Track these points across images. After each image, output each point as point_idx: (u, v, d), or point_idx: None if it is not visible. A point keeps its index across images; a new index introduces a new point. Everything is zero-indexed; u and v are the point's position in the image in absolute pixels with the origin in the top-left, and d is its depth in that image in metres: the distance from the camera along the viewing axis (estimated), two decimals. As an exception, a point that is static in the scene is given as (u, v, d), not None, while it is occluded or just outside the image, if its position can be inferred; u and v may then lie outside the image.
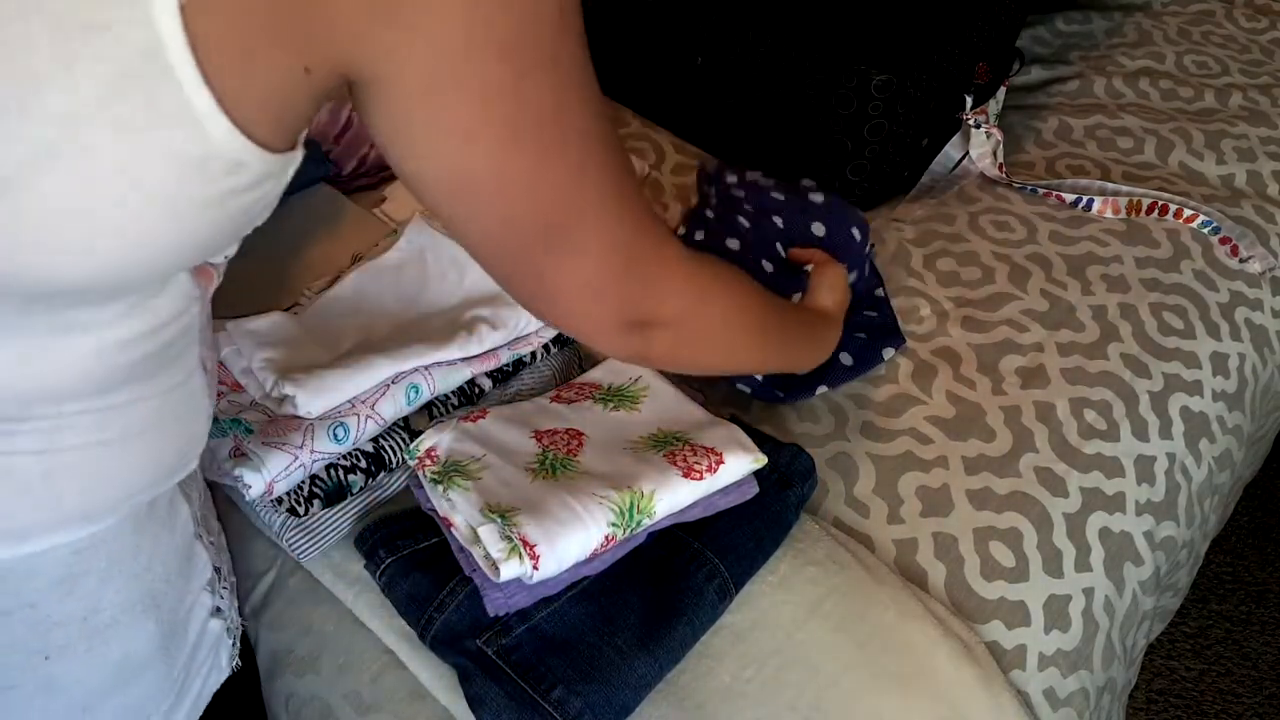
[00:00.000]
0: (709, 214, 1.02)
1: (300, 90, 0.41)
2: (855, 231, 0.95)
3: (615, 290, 0.56)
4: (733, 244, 0.97)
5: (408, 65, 0.42)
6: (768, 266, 0.96)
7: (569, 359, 0.94)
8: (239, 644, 0.71)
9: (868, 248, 0.97)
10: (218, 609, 0.67)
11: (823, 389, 0.94)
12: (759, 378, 0.92)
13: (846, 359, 0.93)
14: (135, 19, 0.36)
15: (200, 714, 0.67)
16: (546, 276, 0.53)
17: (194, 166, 0.40)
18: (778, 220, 0.98)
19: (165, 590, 0.61)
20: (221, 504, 0.85)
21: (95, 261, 0.42)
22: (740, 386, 0.92)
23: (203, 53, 0.37)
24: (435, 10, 0.41)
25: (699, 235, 1.01)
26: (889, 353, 0.98)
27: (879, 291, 1.00)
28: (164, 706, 0.63)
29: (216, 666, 0.68)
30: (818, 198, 0.97)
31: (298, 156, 0.44)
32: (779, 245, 0.97)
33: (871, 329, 0.97)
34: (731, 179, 1.02)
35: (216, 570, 0.67)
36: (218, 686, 0.68)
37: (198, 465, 0.62)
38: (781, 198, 0.97)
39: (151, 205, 0.41)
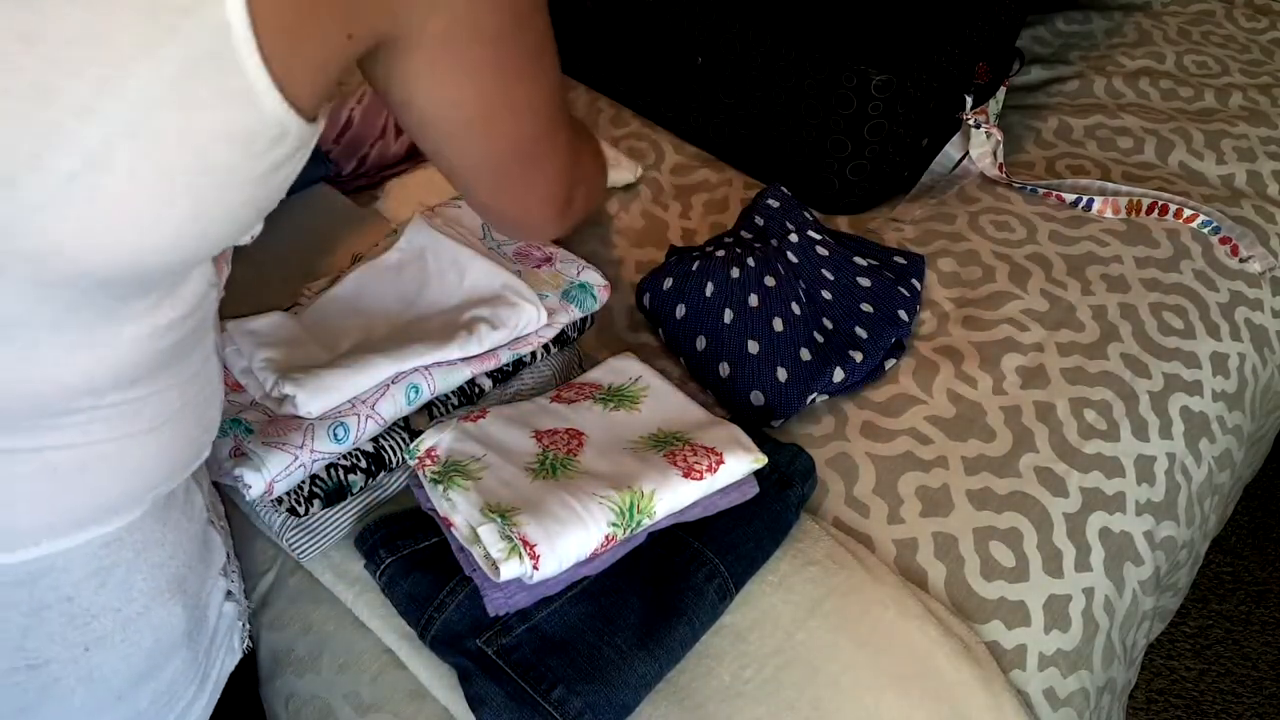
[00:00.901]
0: (756, 245, 1.02)
1: (341, 57, 0.44)
2: (901, 312, 0.99)
3: (563, 181, 0.66)
4: (769, 281, 0.98)
5: (436, 19, 0.48)
6: (795, 309, 0.96)
7: (569, 359, 0.94)
8: (249, 625, 0.72)
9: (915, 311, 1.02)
10: (229, 592, 0.69)
11: (823, 397, 0.94)
12: (780, 382, 0.92)
13: (839, 374, 0.93)
14: (211, 1, 0.38)
15: (219, 696, 0.68)
16: (527, 185, 0.63)
17: (244, 142, 0.42)
18: (826, 273, 1.00)
19: (188, 575, 0.63)
20: (222, 503, 0.85)
21: (160, 238, 0.44)
22: (754, 396, 0.92)
23: (262, 29, 0.39)
24: None
25: (720, 252, 1.00)
26: (890, 363, 0.99)
27: (902, 314, 0.99)
28: (190, 690, 0.65)
29: (231, 649, 0.70)
30: (865, 281, 1.01)
31: (321, 127, 0.47)
32: (825, 293, 0.99)
33: (876, 346, 0.96)
34: (797, 235, 1.03)
35: (227, 554, 0.69)
36: (232, 669, 0.70)
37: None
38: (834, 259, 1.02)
39: (211, 182, 0.43)
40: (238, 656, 0.70)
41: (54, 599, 0.55)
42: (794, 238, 1.01)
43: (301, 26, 0.41)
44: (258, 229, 0.54)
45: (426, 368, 0.81)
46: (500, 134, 0.58)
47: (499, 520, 0.71)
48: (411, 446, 0.79)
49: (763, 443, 0.82)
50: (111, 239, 0.43)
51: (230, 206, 0.45)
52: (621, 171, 1.17)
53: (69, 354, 0.48)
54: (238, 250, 0.62)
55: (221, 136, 0.42)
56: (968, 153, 1.21)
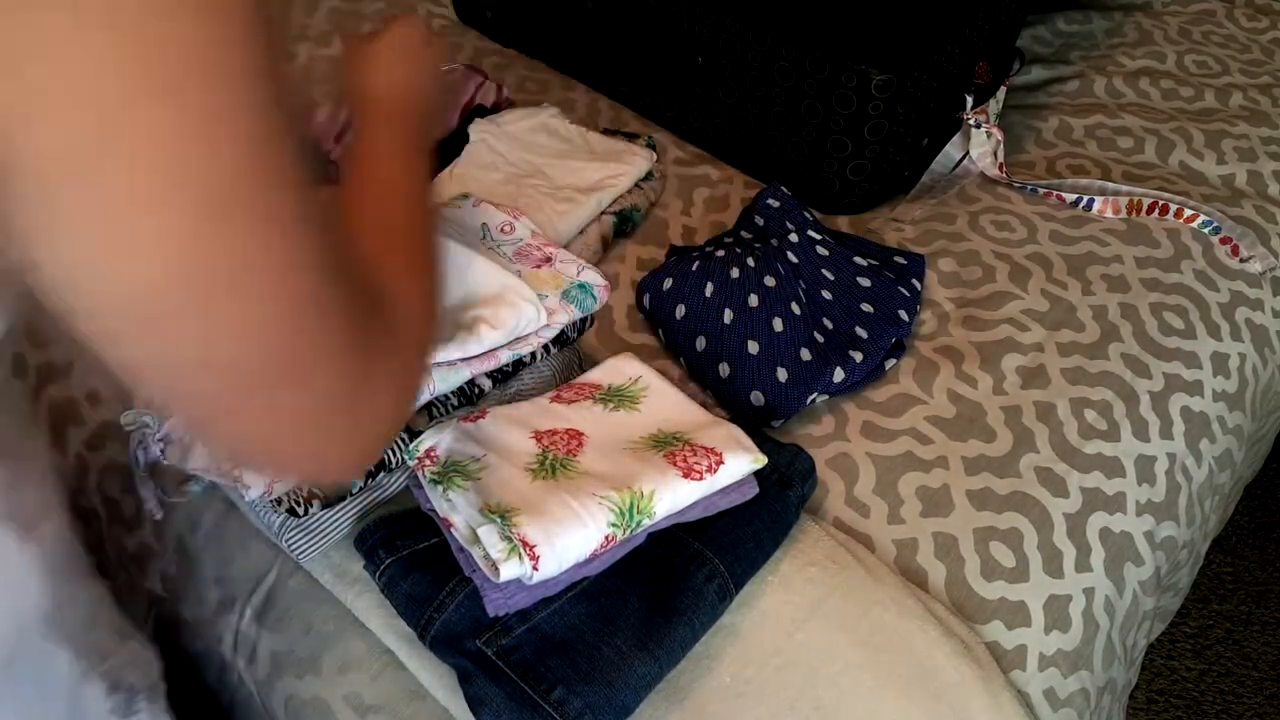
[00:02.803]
0: (756, 245, 1.02)
1: None
2: (902, 312, 0.98)
3: (342, 421, 0.43)
4: (769, 281, 0.97)
5: (42, 128, 0.30)
6: (795, 309, 0.96)
7: (569, 359, 0.94)
8: None
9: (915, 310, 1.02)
10: None
11: (823, 397, 0.94)
12: (780, 382, 0.92)
13: (839, 375, 0.93)
14: None
15: None
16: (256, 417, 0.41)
17: None
18: (826, 273, 1.00)
19: None
20: (221, 504, 0.85)
21: None
22: (754, 396, 0.92)
23: None
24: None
25: (720, 252, 1.00)
26: (891, 363, 0.98)
27: (902, 314, 0.99)
28: None
29: None
30: (865, 281, 1.01)
31: None
32: (825, 292, 0.99)
33: (876, 345, 0.96)
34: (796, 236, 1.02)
35: (131, 688, 0.58)
36: None
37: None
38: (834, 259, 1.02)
39: None
40: None
41: None
42: (794, 238, 1.01)
43: None
44: None
45: (426, 368, 0.81)
46: (178, 349, 0.36)
47: (499, 521, 0.71)
48: (411, 447, 0.79)
49: (763, 443, 0.82)
50: None
51: None
52: (639, 163, 1.15)
53: None
54: None
55: None
56: (968, 153, 1.21)
